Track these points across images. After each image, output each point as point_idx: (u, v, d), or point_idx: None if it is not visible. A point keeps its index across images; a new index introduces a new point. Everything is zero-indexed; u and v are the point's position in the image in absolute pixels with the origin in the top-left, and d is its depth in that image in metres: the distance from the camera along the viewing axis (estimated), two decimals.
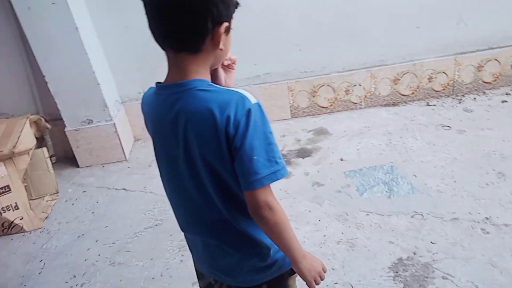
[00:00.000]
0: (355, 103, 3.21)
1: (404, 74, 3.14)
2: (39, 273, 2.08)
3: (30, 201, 2.45)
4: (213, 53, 0.94)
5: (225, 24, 0.91)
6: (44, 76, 2.67)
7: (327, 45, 3.02)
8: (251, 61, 3.03)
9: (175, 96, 0.93)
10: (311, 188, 2.40)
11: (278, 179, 0.92)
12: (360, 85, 3.15)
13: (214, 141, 0.91)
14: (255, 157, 0.89)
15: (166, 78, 0.97)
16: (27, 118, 2.56)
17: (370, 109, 3.19)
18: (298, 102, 3.17)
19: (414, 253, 1.86)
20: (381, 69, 3.12)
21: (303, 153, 2.76)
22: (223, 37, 0.92)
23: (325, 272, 1.08)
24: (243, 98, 0.90)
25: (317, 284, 1.06)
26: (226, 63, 1.08)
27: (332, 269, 1.84)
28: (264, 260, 1.05)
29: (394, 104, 3.20)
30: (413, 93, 3.20)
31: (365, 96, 3.19)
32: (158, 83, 0.98)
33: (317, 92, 3.15)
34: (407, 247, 1.90)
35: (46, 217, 2.46)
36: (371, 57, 3.10)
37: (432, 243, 1.91)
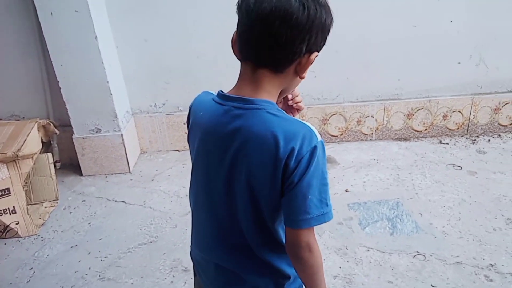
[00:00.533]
0: (366, 135, 3.16)
1: (419, 109, 3.09)
2: (27, 282, 2.03)
3: (29, 206, 2.43)
4: (291, 79, 0.91)
5: (316, 53, 0.89)
6: (58, 82, 2.70)
7: (342, 73, 3.00)
8: None
9: (240, 111, 0.88)
10: None
11: (325, 222, 0.89)
12: (372, 116, 3.11)
13: (268, 169, 0.86)
14: (309, 196, 0.86)
15: (233, 89, 0.92)
16: (36, 122, 2.57)
17: (381, 141, 3.14)
18: None
19: None
20: (396, 103, 3.08)
21: None
22: (307, 67, 0.89)
23: None
24: (311, 133, 0.86)
25: None
26: (290, 101, 1.05)
27: None
28: None
29: (405, 139, 3.14)
30: (426, 129, 3.14)
31: (377, 128, 3.14)
32: (221, 92, 0.94)
33: (328, 120, 3.11)
34: None
35: (42, 224, 2.43)
36: (387, 90, 3.06)
37: (432, 286, 1.82)
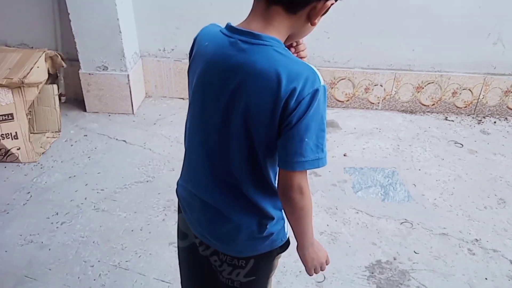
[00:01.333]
0: (372, 103, 3.14)
1: (429, 83, 3.05)
2: (23, 204, 2.10)
3: (31, 134, 2.46)
4: (302, 24, 0.90)
5: (332, 1, 0.87)
6: (68, 14, 2.67)
7: (356, 38, 2.94)
8: None
9: (246, 45, 0.86)
10: (308, 176, 2.36)
11: (318, 167, 0.89)
12: (381, 85, 3.07)
13: (267, 107, 0.85)
14: (306, 139, 0.85)
15: (242, 23, 0.90)
16: (44, 52, 2.56)
17: (386, 112, 3.12)
18: None
19: (395, 259, 1.83)
20: (406, 74, 3.03)
21: None
22: (321, 14, 0.88)
23: (327, 265, 1.06)
24: (314, 75, 0.84)
25: (316, 273, 1.04)
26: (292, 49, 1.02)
27: None
28: (261, 231, 1.01)
29: (411, 112, 3.12)
30: (433, 104, 3.11)
31: (384, 98, 3.12)
32: (229, 24, 0.91)
33: (336, 84, 3.08)
34: (389, 252, 1.86)
35: (43, 153, 2.48)
36: (399, 60, 3.01)
37: (415, 252, 1.86)
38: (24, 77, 2.31)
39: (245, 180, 0.96)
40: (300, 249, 1.01)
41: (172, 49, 3.06)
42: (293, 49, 1.03)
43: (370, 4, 2.80)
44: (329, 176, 2.36)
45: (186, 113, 1.01)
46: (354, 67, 3.05)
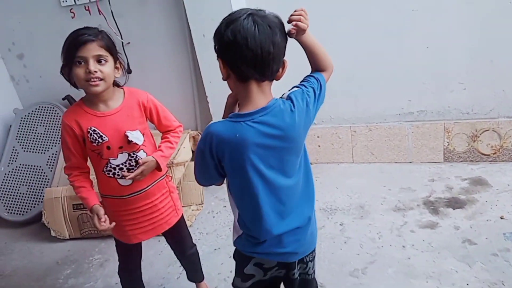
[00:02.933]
0: None
1: None
2: (177, 278, 2.25)
3: None
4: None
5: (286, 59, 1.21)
6: (207, 97, 2.95)
7: (498, 85, 2.69)
8: (405, 97, 2.88)
9: (271, 117, 1.17)
10: (460, 245, 2.13)
11: None
12: None
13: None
14: None
15: (249, 107, 1.18)
16: (188, 133, 2.85)
17: None
18: (455, 145, 2.88)
19: None
20: None
21: (455, 204, 2.47)
22: None
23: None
24: None
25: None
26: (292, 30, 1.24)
27: None
28: (314, 218, 1.38)
29: None
30: None
31: None
32: (240, 114, 1.19)
33: (479, 136, 2.81)
34: None
35: (190, 225, 2.67)
36: None
37: None
38: (174, 158, 2.57)
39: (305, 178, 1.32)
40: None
41: None
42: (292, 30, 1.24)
43: (507, 48, 2.56)
44: (487, 244, 2.09)
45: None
46: (499, 116, 2.76)
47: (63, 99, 3.27)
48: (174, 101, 3.26)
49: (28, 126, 3.26)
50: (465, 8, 2.56)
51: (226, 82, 1.27)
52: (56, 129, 3.19)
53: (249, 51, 1.11)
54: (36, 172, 3.14)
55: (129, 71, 2.99)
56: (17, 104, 3.49)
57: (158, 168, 1.70)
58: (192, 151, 2.91)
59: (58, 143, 3.13)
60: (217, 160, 1.21)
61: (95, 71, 1.53)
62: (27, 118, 3.28)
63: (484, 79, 2.68)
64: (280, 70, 1.20)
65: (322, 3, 2.70)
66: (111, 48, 1.60)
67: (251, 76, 1.16)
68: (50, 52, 3.23)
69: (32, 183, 3.12)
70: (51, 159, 3.13)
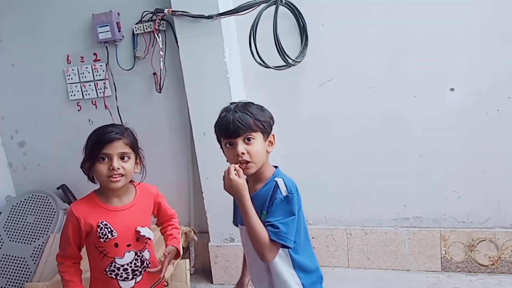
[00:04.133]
0: None
1: None
2: None
3: None
4: None
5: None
6: (202, 193, 2.95)
7: (493, 196, 2.70)
8: (400, 202, 2.88)
9: None
10: None
11: None
12: None
13: None
14: None
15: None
16: (180, 229, 2.78)
17: None
18: (452, 254, 2.82)
19: None
20: None
21: None
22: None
23: None
24: None
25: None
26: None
27: None
28: None
29: None
30: None
31: None
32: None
33: (475, 246, 2.76)
34: None
35: None
36: None
37: None
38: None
39: None
40: None
41: None
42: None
43: (504, 161, 2.63)
44: None
45: None
46: (494, 226, 2.74)
47: (58, 188, 3.26)
48: (169, 196, 3.21)
49: (17, 215, 3.18)
50: (456, 119, 2.68)
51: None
52: (46, 219, 3.12)
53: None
54: (18, 264, 3.00)
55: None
56: (10, 191, 3.45)
57: (177, 254, 1.79)
58: (183, 248, 2.82)
59: (46, 234, 3.04)
60: None
61: (118, 168, 1.54)
62: (18, 206, 3.22)
63: (478, 189, 2.71)
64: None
65: (320, 105, 2.84)
66: (134, 145, 1.64)
67: None
68: (51, 142, 3.31)
69: (13, 275, 2.96)
70: (36, 251, 3.01)
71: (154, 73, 2.93)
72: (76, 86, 3.13)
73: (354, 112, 2.81)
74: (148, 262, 1.70)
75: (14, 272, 2.98)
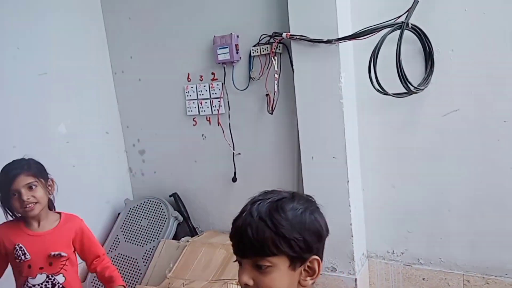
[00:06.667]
0: None
1: None
2: None
3: None
4: None
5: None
6: None
7: None
8: None
9: None
10: None
11: None
12: None
13: None
14: None
15: None
16: None
17: None
18: None
19: None
20: None
21: None
22: None
23: None
24: None
25: None
26: None
27: None
28: None
29: None
30: None
31: None
32: None
33: None
34: None
35: None
36: None
37: None
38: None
39: None
40: None
41: (402, 252, 2.91)
42: None
43: None
44: None
45: None
46: None
47: (170, 196, 3.47)
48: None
49: (133, 218, 3.45)
50: None
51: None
52: (158, 225, 3.33)
53: None
54: (131, 264, 3.25)
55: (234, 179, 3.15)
56: (129, 195, 3.77)
57: None
58: None
59: (157, 239, 3.25)
60: None
61: (28, 198, 1.71)
62: (135, 210, 3.49)
63: None
64: None
65: (441, 137, 2.63)
66: (38, 173, 1.78)
67: None
68: (167, 152, 3.54)
69: (125, 275, 3.21)
70: (147, 254, 3.23)
71: (267, 94, 2.96)
72: (193, 102, 3.30)
73: (482, 148, 2.53)
74: (60, 286, 1.83)
75: (127, 272, 3.23)
